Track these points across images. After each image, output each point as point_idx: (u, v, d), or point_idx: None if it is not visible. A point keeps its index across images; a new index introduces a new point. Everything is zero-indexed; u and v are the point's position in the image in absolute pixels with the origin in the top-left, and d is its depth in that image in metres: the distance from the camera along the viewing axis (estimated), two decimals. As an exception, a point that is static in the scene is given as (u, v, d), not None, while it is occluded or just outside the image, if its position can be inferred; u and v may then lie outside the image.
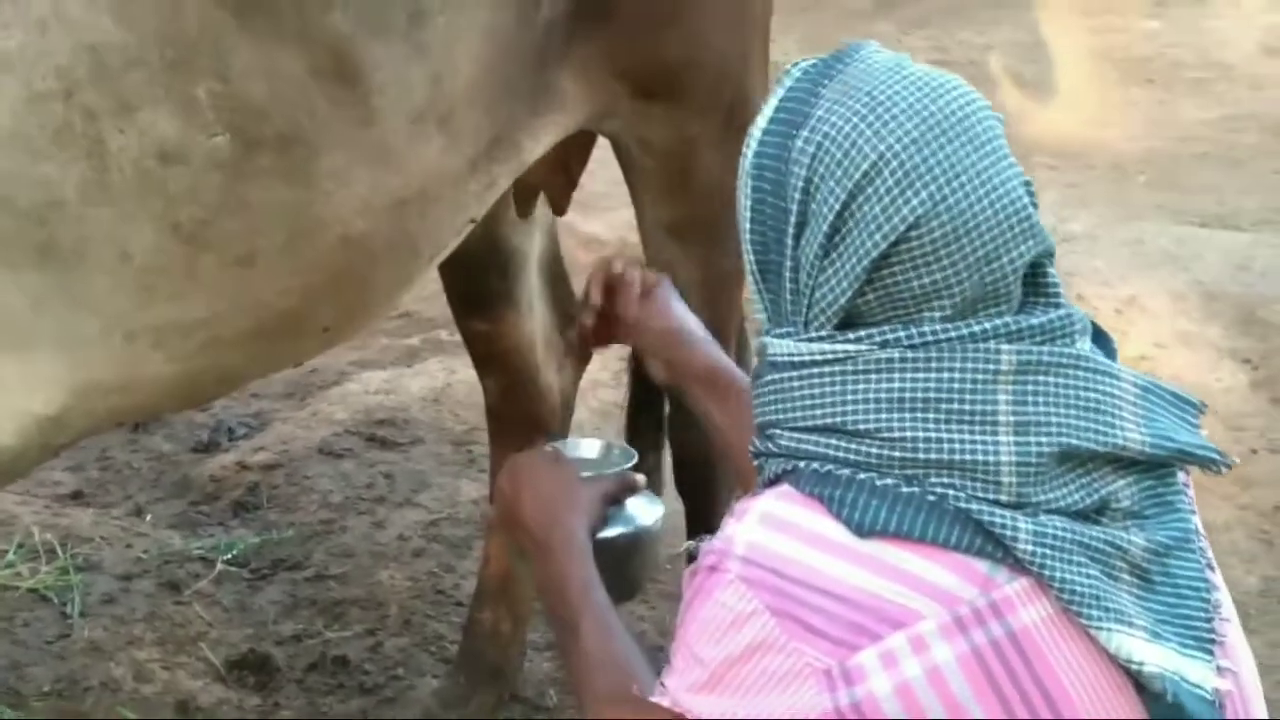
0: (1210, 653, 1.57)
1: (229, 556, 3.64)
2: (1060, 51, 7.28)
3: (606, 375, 4.34)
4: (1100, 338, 1.65)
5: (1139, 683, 1.53)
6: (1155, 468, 1.60)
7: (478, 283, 3.07)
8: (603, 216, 5.25)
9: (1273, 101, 6.84)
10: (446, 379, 4.41)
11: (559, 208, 3.02)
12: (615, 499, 1.92)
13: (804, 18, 7.37)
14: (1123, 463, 1.58)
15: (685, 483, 2.95)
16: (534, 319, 3.12)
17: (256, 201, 2.10)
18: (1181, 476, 1.64)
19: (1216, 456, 1.62)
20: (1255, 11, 7.70)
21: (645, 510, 1.96)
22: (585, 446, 2.10)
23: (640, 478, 1.98)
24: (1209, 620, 1.59)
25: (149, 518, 3.84)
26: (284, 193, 2.12)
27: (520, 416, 3.14)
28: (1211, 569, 1.63)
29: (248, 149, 2.07)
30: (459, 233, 2.45)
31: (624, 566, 1.92)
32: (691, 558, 1.64)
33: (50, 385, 2.10)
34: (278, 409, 4.35)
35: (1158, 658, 1.53)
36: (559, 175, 2.89)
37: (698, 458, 2.93)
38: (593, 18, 2.43)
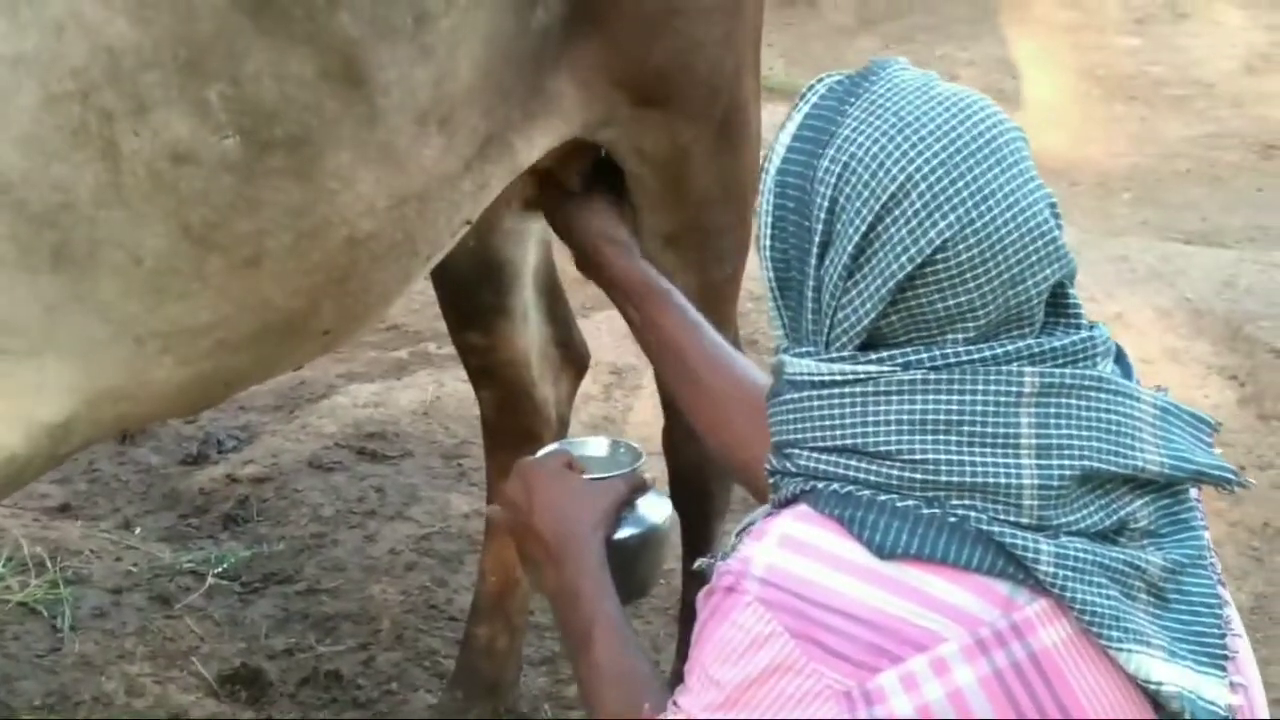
0: (1223, 669, 1.57)
1: (219, 570, 3.62)
2: (1041, 68, 7.31)
3: (596, 389, 4.34)
4: (1118, 356, 1.65)
5: (1156, 701, 1.53)
6: (1170, 486, 1.61)
7: (472, 295, 3.07)
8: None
9: (1254, 119, 6.87)
10: (436, 392, 4.40)
11: None
12: (626, 501, 1.91)
13: (787, 32, 7.39)
14: (1140, 483, 1.58)
15: (681, 494, 2.95)
16: (529, 331, 3.12)
17: (266, 202, 2.11)
18: (1193, 493, 1.65)
19: (1232, 476, 1.63)
20: (1234, 29, 7.73)
21: (653, 508, 1.96)
22: (592, 445, 2.10)
23: (649, 476, 1.98)
24: (1222, 637, 1.59)
25: (138, 531, 3.82)
26: (292, 193, 2.13)
27: (516, 429, 3.13)
28: (1222, 584, 1.64)
29: (259, 150, 2.08)
30: (454, 233, 2.45)
31: (634, 567, 1.92)
32: (703, 578, 1.64)
33: (60, 392, 2.09)
34: (266, 421, 4.34)
35: (1175, 677, 1.53)
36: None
37: (694, 469, 2.93)
38: (586, 24, 2.43)
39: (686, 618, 2.89)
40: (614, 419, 4.31)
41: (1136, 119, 6.93)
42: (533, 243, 3.11)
